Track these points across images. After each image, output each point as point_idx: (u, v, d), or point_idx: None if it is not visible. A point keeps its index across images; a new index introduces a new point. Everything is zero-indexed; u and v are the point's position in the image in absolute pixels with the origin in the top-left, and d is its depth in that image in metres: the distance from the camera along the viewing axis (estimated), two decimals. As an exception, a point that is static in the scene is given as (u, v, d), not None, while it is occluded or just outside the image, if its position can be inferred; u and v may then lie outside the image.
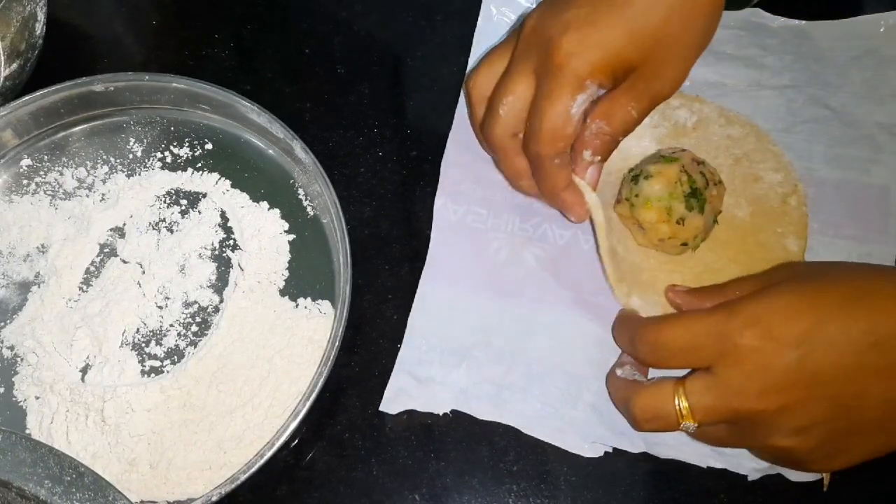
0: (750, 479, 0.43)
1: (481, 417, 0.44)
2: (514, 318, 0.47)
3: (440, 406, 0.45)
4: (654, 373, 0.43)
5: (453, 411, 0.44)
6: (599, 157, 0.44)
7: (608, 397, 0.44)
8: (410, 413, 0.45)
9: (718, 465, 0.43)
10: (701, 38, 0.43)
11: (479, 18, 0.55)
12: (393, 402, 0.45)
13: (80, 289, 0.47)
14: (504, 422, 0.44)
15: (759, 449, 0.41)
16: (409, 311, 0.47)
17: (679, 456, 0.43)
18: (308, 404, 0.41)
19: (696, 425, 0.38)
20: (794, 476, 0.42)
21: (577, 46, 0.41)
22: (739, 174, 0.49)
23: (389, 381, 0.45)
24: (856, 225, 0.48)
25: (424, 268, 0.48)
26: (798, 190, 0.48)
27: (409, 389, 0.45)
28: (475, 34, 0.54)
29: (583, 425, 0.44)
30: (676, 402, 0.38)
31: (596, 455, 0.43)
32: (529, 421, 0.44)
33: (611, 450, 0.43)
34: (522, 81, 0.43)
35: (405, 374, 0.45)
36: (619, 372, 0.43)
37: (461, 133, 0.52)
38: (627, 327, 0.43)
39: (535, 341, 0.46)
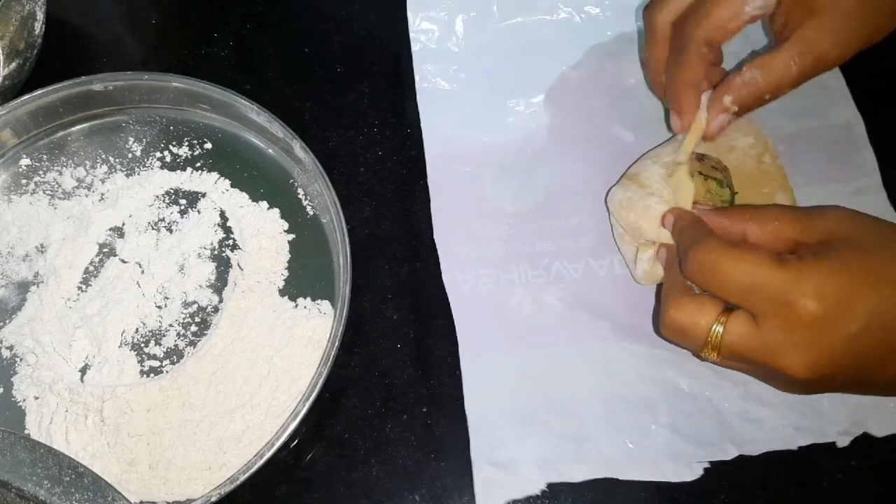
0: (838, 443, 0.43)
1: (577, 480, 0.42)
2: (562, 367, 0.45)
3: (533, 485, 0.42)
4: None
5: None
6: (736, 109, 0.43)
7: (683, 413, 0.43)
8: (410, 412, 0.45)
9: (806, 442, 0.43)
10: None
11: None
12: (487, 500, 0.42)
13: (80, 289, 0.47)
14: (601, 476, 0.43)
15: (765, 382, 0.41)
16: (410, 310, 0.47)
17: (770, 447, 0.43)
18: (308, 404, 0.41)
19: (716, 359, 0.38)
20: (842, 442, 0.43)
21: None
22: (713, 149, 0.48)
23: (474, 480, 0.43)
24: (836, 167, 0.50)
25: (459, 349, 0.45)
26: (769, 146, 0.48)
27: (496, 479, 0.43)
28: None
29: (668, 449, 0.43)
30: (714, 329, 0.38)
31: (695, 476, 0.42)
32: (622, 466, 0.43)
33: (708, 465, 0.42)
34: None
35: (485, 464, 0.43)
36: (662, 254, 0.43)
37: (441, 192, 0.50)
38: (690, 232, 0.41)
39: (591, 382, 0.45)
